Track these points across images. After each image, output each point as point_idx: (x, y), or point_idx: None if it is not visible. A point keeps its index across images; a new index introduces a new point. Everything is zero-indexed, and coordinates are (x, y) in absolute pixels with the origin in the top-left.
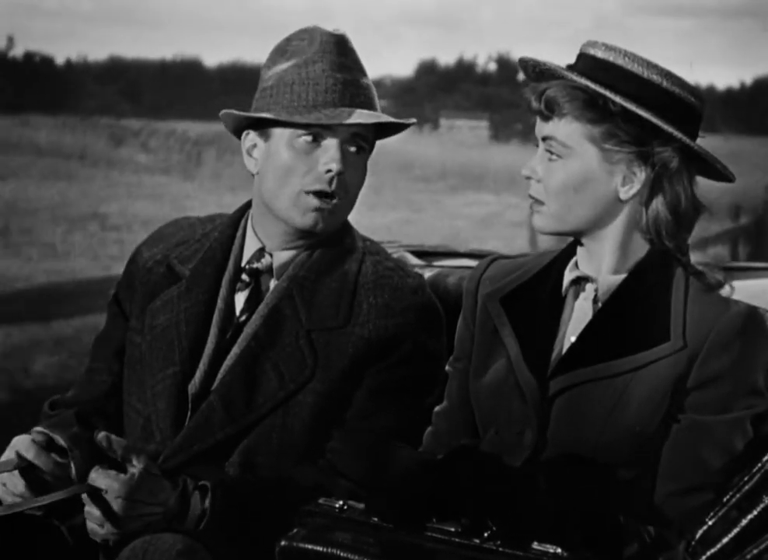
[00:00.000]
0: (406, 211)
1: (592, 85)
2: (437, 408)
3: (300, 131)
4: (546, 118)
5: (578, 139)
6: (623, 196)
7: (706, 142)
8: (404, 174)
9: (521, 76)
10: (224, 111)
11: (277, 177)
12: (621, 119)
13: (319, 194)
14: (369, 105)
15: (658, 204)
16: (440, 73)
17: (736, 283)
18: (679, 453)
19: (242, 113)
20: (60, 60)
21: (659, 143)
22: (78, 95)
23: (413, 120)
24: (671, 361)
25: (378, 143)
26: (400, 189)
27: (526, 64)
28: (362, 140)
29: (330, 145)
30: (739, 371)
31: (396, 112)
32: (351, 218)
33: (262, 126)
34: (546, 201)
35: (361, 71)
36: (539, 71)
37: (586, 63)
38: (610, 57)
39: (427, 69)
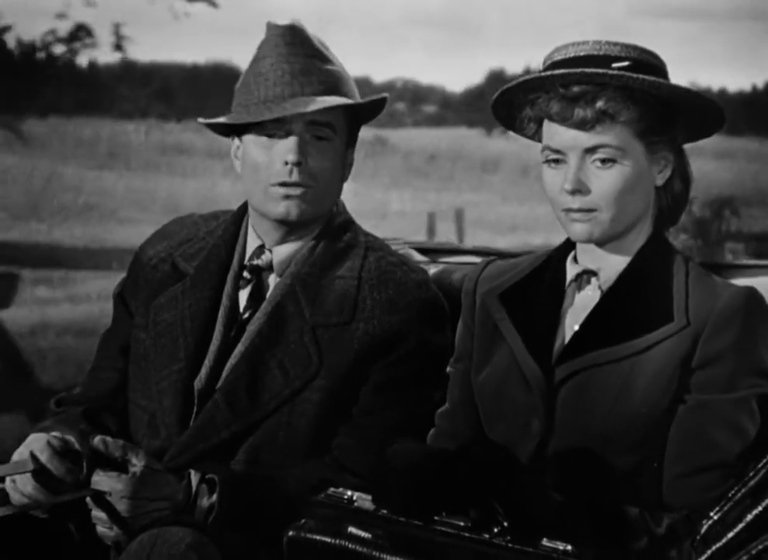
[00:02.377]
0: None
1: (672, 83)
2: (439, 410)
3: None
4: (592, 127)
5: (628, 139)
6: (659, 182)
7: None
8: (526, 177)
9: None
10: (199, 120)
11: (248, 175)
12: (657, 109)
13: (283, 183)
14: (328, 90)
15: (677, 183)
16: (508, 80)
17: (743, 280)
18: (686, 434)
19: (204, 121)
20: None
21: (681, 123)
22: (113, 97)
23: (385, 94)
24: (675, 341)
25: (492, 148)
26: (534, 188)
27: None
28: (325, 126)
29: (288, 137)
30: (742, 348)
31: (467, 116)
32: (511, 208)
33: (237, 129)
34: (601, 207)
35: (317, 57)
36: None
37: (600, 62)
38: (623, 53)
39: (497, 77)
